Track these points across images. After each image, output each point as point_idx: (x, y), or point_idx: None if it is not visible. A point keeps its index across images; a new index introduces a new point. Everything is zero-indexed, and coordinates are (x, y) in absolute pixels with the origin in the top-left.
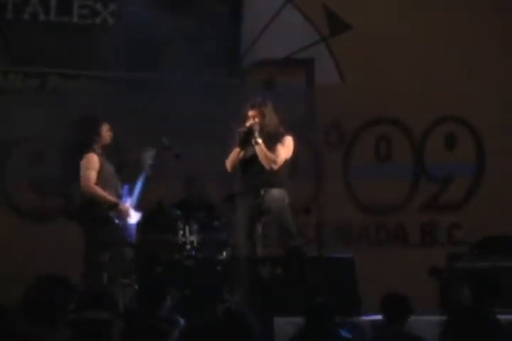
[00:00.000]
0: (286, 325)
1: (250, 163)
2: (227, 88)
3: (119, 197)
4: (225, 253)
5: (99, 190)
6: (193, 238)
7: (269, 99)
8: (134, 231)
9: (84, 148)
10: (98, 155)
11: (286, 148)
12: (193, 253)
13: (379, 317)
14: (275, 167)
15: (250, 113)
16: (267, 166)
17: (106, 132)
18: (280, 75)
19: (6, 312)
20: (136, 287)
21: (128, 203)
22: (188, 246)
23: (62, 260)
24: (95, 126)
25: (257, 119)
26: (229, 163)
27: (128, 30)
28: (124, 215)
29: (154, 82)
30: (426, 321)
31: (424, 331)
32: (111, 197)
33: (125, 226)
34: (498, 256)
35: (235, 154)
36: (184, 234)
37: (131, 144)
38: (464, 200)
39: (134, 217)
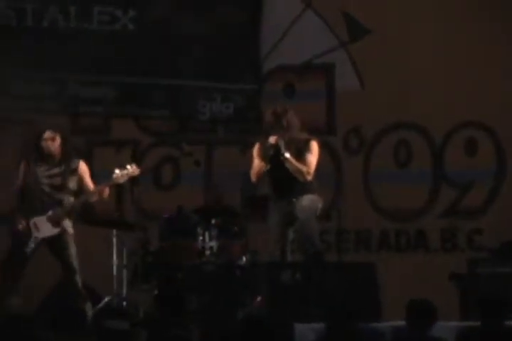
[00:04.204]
0: (306, 331)
1: (280, 172)
2: (247, 94)
3: (37, 209)
4: (244, 259)
5: (14, 197)
6: (213, 243)
7: (289, 105)
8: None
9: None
10: (27, 162)
11: (314, 155)
12: (213, 258)
13: (400, 322)
14: (309, 178)
15: (272, 137)
16: (301, 179)
17: (44, 141)
18: (300, 81)
19: (21, 319)
20: (156, 292)
21: (40, 217)
22: (208, 252)
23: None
24: (35, 135)
25: (291, 130)
26: (254, 175)
27: (147, 35)
28: (15, 227)
29: (172, 88)
30: (446, 327)
31: (444, 337)
32: (14, 207)
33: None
34: None
35: (259, 167)
36: (204, 240)
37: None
38: (485, 206)
39: (41, 232)
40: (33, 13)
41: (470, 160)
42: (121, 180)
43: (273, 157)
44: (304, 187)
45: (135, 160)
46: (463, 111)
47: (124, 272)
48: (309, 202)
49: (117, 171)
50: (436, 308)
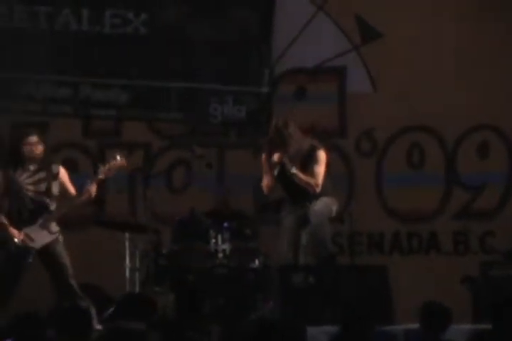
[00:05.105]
0: (319, 334)
1: (291, 184)
2: (259, 97)
3: (25, 218)
4: (257, 262)
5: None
6: (225, 246)
7: (289, 118)
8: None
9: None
10: (5, 170)
11: (321, 164)
12: (225, 261)
13: (412, 325)
14: (318, 190)
15: (275, 155)
16: (310, 191)
17: (30, 145)
18: (312, 84)
19: (38, 319)
20: (171, 296)
21: (31, 227)
22: (220, 255)
23: (97, 269)
24: (13, 140)
25: (293, 144)
26: (265, 187)
27: (159, 38)
28: (12, 239)
29: (184, 91)
30: (458, 330)
31: (456, 340)
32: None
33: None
34: None
35: (267, 182)
36: (216, 243)
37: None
38: (497, 208)
39: (37, 242)
40: (46, 16)
41: (482, 162)
42: (110, 174)
43: (280, 173)
44: (317, 193)
45: (148, 162)
46: (475, 114)
47: (137, 274)
48: (322, 205)
49: (102, 166)
50: (451, 311)
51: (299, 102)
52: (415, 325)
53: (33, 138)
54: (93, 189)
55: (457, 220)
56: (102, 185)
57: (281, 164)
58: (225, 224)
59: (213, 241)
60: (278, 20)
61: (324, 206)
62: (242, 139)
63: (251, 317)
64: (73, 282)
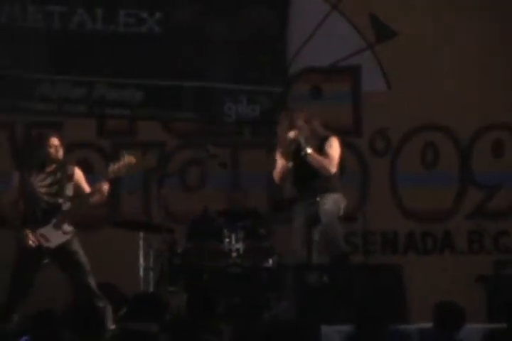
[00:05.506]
0: (333, 333)
1: (302, 170)
2: (273, 96)
3: (39, 219)
4: (271, 261)
5: (6, 210)
6: (239, 246)
7: (315, 106)
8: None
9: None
10: (21, 172)
11: (335, 149)
12: (239, 261)
13: (426, 324)
14: (333, 170)
15: (291, 132)
16: (325, 172)
17: (52, 147)
18: (326, 83)
19: (54, 318)
20: (185, 295)
21: (46, 227)
22: (234, 254)
23: (111, 269)
24: (32, 141)
25: (304, 127)
26: (277, 175)
27: (174, 37)
28: (28, 240)
29: (199, 90)
30: (472, 329)
31: (470, 339)
32: (14, 222)
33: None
34: None
35: (282, 166)
36: (230, 242)
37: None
38: None
39: (52, 242)
40: (60, 16)
41: (497, 161)
42: (121, 173)
43: (294, 153)
44: (328, 185)
45: (162, 161)
46: (489, 112)
47: (151, 274)
48: (331, 204)
49: (111, 165)
50: (464, 311)
51: (313, 101)
52: (429, 325)
53: (56, 141)
54: (104, 187)
55: (471, 219)
56: (115, 185)
57: (296, 142)
58: (239, 223)
59: (227, 240)
60: (293, 19)
61: (333, 204)
62: (257, 138)
63: (265, 316)
64: (91, 281)
